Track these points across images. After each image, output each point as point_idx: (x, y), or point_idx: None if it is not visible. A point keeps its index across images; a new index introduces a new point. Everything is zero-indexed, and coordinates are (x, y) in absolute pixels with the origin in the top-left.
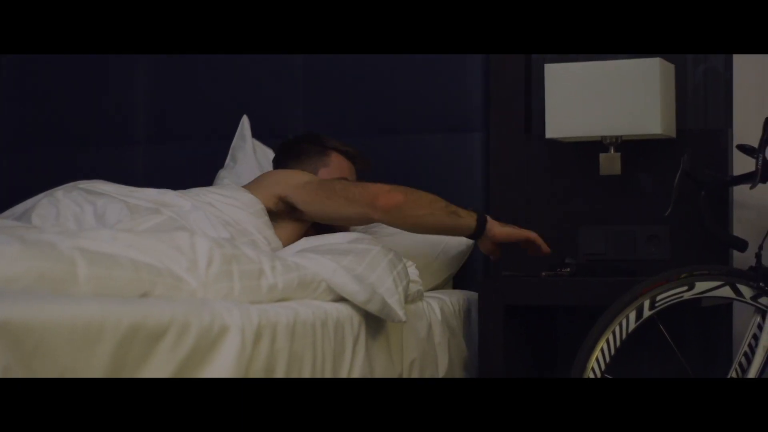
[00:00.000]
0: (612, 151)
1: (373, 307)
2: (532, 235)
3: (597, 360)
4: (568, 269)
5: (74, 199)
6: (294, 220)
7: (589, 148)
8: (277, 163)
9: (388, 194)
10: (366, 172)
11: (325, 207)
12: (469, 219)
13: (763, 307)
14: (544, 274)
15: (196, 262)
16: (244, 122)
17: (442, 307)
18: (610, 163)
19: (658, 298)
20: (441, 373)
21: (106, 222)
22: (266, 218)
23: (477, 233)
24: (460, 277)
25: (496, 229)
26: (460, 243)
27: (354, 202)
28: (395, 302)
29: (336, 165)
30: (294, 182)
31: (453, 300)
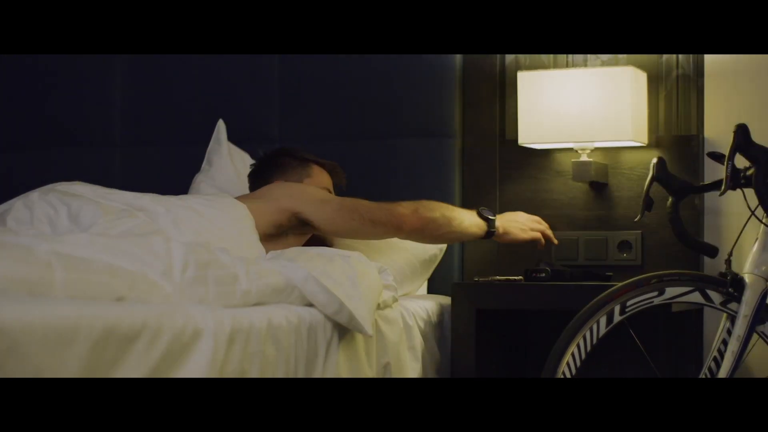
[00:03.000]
0: (584, 157)
1: (341, 320)
2: (548, 231)
3: (567, 364)
4: (543, 274)
5: (49, 202)
6: (298, 234)
7: (562, 154)
8: (256, 176)
9: (413, 217)
10: (341, 184)
11: (349, 227)
12: (478, 231)
13: (733, 313)
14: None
15: (171, 267)
16: (220, 126)
17: (416, 311)
18: (582, 169)
19: (629, 303)
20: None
21: (80, 223)
22: (250, 224)
23: (487, 237)
24: (435, 282)
25: (513, 233)
26: (431, 247)
27: (379, 225)
28: (362, 316)
29: (317, 176)
30: (311, 198)
31: (427, 305)
